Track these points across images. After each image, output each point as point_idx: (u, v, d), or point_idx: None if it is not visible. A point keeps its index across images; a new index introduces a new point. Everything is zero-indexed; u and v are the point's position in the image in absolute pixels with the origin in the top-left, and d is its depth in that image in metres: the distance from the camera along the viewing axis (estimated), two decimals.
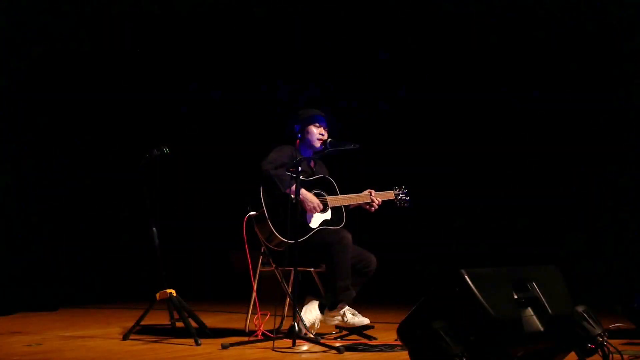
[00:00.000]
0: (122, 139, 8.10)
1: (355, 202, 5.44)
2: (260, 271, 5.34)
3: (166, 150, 5.26)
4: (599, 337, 3.87)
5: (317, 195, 5.32)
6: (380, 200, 5.45)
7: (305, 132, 5.45)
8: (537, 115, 7.69)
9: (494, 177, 7.80)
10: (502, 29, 7.75)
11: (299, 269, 4.96)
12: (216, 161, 8.33)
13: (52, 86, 7.51)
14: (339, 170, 5.67)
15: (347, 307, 5.22)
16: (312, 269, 5.43)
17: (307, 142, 5.46)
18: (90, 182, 7.94)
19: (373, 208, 5.46)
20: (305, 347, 4.86)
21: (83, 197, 7.88)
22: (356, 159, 6.26)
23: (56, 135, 7.60)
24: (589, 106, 7.43)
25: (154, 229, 5.25)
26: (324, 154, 5.46)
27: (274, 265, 5.29)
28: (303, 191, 5.16)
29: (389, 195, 5.52)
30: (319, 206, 5.27)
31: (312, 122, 5.44)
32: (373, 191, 5.46)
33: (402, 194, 5.55)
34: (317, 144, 5.42)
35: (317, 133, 5.43)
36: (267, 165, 5.21)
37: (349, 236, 5.20)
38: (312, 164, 5.55)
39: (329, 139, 5.40)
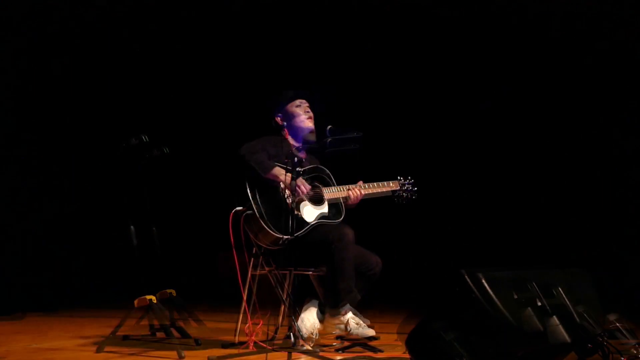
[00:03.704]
0: (122, 139, 8.05)
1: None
2: (251, 275, 4.87)
3: (166, 150, 5.16)
4: (598, 337, 3.64)
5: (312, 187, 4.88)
6: (359, 194, 4.93)
7: (289, 118, 5.00)
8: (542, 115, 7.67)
9: (514, 176, 7.81)
10: (502, 29, 7.65)
11: (294, 271, 4.54)
12: (216, 161, 8.18)
13: (52, 86, 7.61)
14: (331, 163, 5.22)
15: (352, 314, 4.72)
16: (311, 272, 4.90)
17: (295, 129, 5.00)
18: (90, 182, 8.05)
19: (350, 201, 4.97)
20: None
21: (83, 196, 7.98)
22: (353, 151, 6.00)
23: (56, 135, 7.67)
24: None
25: (154, 228, 5.16)
26: (327, 149, 4.94)
27: (267, 269, 4.79)
28: (287, 177, 4.68)
29: (394, 185, 5.11)
30: (307, 189, 4.79)
31: (291, 101, 4.98)
32: (361, 182, 5.03)
33: (407, 184, 5.15)
34: (308, 124, 4.98)
35: (302, 112, 4.98)
36: (244, 150, 4.78)
37: (350, 233, 4.73)
38: (302, 154, 5.02)
39: (329, 127, 4.85)
